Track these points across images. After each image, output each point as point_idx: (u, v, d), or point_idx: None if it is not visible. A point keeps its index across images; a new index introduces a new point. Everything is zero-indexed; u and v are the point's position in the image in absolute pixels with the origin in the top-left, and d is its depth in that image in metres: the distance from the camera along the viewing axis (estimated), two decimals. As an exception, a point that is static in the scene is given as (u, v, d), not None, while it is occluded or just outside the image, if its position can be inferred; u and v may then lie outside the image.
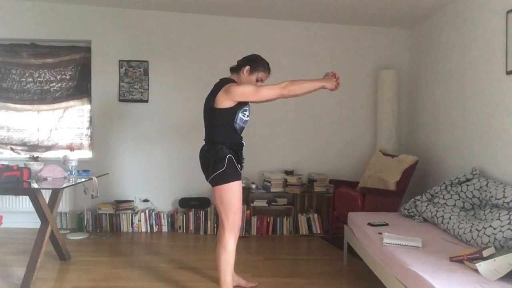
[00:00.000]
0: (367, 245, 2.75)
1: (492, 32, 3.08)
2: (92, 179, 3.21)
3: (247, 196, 4.26)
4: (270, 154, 4.59)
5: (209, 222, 4.30)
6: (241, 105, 2.46)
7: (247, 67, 2.55)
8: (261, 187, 4.48)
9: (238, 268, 2.93)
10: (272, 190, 4.29)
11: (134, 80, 4.43)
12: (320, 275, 3.13)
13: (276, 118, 4.57)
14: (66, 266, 3.23)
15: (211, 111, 2.48)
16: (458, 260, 2.11)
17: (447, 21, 3.79)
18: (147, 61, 4.44)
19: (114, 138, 4.47)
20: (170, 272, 3.13)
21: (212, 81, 2.59)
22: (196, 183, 4.34)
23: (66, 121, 4.52)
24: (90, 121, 4.50)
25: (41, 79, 4.48)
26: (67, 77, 4.50)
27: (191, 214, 4.33)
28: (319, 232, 4.30)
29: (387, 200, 3.60)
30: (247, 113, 2.53)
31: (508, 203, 2.48)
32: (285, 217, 4.33)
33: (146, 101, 4.45)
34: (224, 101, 2.41)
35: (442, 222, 2.80)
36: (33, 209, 2.96)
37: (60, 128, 4.53)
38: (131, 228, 4.32)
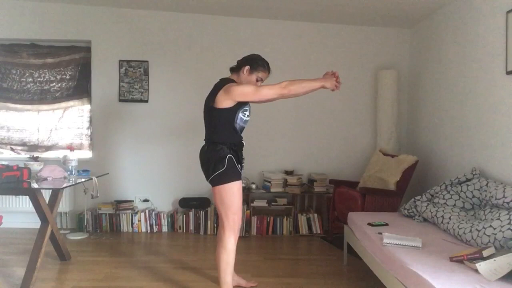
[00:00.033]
0: (367, 245, 2.75)
1: (492, 32, 3.08)
2: (92, 179, 3.22)
3: (247, 196, 4.26)
4: (270, 154, 4.59)
5: (209, 222, 4.30)
6: (241, 105, 2.45)
7: (247, 67, 2.55)
8: (261, 187, 4.48)
9: (238, 268, 2.93)
10: (272, 190, 4.29)
11: (134, 80, 4.43)
12: (320, 275, 3.13)
13: (276, 118, 4.57)
14: (66, 266, 3.23)
15: (211, 111, 2.48)
16: (458, 260, 2.11)
17: (447, 21, 3.79)
18: (147, 61, 4.44)
19: (114, 138, 4.47)
20: (170, 272, 3.13)
21: (212, 81, 2.59)
22: (196, 183, 4.35)
23: (66, 121, 4.52)
24: (90, 121, 4.50)
25: (41, 79, 4.48)
26: (67, 77, 4.50)
27: (191, 214, 4.33)
28: (319, 232, 4.30)
29: (387, 200, 3.60)
30: (247, 113, 2.53)
31: (508, 203, 2.48)
32: (285, 217, 4.32)
33: (146, 101, 4.45)
34: (224, 101, 2.41)
35: (442, 222, 2.80)
36: (33, 209, 2.97)
37: (60, 128, 4.52)
38: (131, 228, 4.32)
